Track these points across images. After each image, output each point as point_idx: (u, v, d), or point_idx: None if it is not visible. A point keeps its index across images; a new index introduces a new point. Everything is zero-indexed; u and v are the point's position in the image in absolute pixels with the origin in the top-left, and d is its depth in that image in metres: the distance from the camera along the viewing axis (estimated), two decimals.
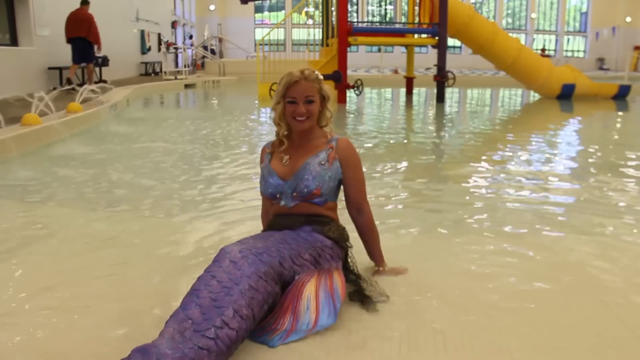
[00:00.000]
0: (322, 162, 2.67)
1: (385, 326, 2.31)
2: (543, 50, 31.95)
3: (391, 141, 7.56)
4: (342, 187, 2.78)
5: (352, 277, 2.62)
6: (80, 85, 11.58)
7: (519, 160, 6.16)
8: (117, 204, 4.33)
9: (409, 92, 14.50)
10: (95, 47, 13.00)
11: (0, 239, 3.43)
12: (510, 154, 6.63)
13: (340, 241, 2.65)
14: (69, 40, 12.67)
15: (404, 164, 5.96)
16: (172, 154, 6.42)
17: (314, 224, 2.64)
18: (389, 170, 5.57)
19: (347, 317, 2.36)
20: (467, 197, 4.54)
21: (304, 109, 2.62)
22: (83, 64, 12.87)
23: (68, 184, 4.94)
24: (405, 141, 7.78)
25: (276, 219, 2.73)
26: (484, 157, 6.36)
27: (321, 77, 2.69)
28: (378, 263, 2.85)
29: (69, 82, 12.18)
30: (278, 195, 2.70)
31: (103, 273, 2.88)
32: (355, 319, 2.36)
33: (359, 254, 2.80)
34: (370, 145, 7.17)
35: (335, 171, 2.69)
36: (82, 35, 12.51)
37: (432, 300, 2.55)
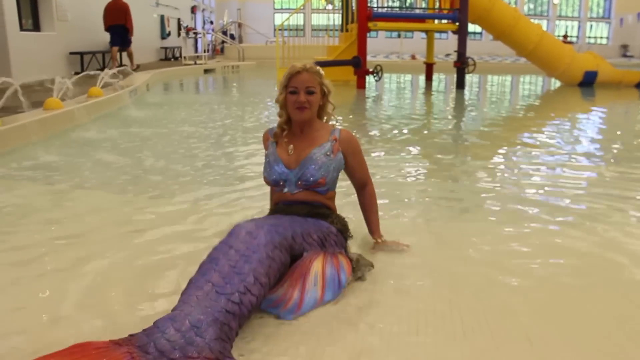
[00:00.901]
0: (328, 153, 2.83)
1: (395, 305, 2.39)
2: (565, 36, 31.50)
3: (410, 127, 7.53)
4: (344, 172, 2.97)
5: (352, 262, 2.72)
6: (102, 69, 11.68)
7: (538, 147, 6.12)
8: (137, 186, 4.40)
9: (429, 79, 14.42)
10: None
11: (27, 221, 3.53)
12: (530, 141, 6.59)
13: (344, 231, 2.83)
14: (108, 28, 14.05)
15: (422, 149, 5.94)
16: (191, 137, 6.47)
17: (316, 216, 2.77)
18: (407, 156, 5.57)
19: (353, 295, 2.46)
20: (485, 183, 4.53)
21: (304, 98, 2.76)
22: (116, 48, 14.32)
23: (90, 167, 5.02)
24: (424, 127, 7.75)
25: (279, 208, 2.84)
26: (503, 145, 6.33)
27: (322, 72, 2.86)
28: (376, 234, 3.03)
29: (115, 64, 13.90)
30: (282, 183, 2.84)
31: (134, 250, 2.95)
32: (360, 297, 2.46)
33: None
34: (388, 130, 7.16)
35: (338, 162, 2.87)
36: (120, 22, 13.93)
37: (441, 281, 2.61)
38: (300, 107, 2.77)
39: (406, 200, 4.06)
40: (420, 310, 2.32)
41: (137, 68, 14.88)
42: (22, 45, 11.50)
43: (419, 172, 4.95)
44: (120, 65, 14.08)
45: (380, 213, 3.10)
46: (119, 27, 13.99)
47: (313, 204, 2.82)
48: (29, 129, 5.93)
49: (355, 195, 3.11)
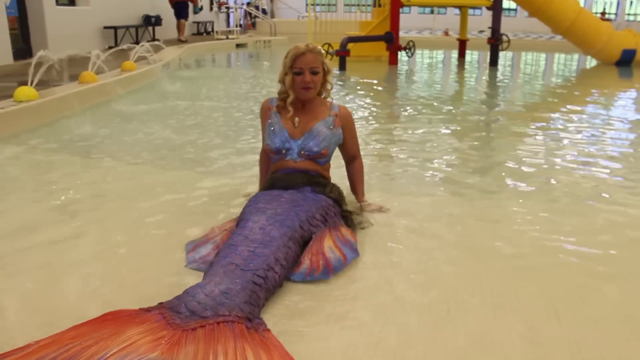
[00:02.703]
0: (330, 127, 3.07)
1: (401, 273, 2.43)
2: (603, 13, 30.69)
3: (441, 104, 7.47)
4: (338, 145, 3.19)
5: (349, 222, 2.97)
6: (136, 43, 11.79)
7: (572, 127, 6.03)
8: (171, 158, 4.48)
9: (462, 55, 14.23)
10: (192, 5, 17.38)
11: (69, 193, 3.63)
12: (564, 120, 6.49)
13: (340, 200, 3.02)
14: (175, 4, 16.38)
15: (453, 126, 5.91)
16: (223, 110, 6.53)
17: (313, 185, 2.95)
18: (438, 132, 5.55)
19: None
20: (515, 162, 4.49)
21: (309, 78, 2.94)
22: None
23: (124, 139, 5.12)
24: (455, 104, 7.68)
25: (278, 176, 3.00)
26: (535, 123, 6.25)
27: (323, 51, 3.04)
28: (360, 199, 3.29)
29: (182, 36, 16.78)
30: (284, 151, 3.03)
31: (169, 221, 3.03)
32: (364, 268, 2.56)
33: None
34: (419, 107, 7.12)
35: (338, 136, 3.12)
36: None
37: (470, 258, 2.62)
38: (306, 87, 2.96)
39: (436, 178, 4.06)
40: (450, 297, 2.33)
41: (186, 41, 16.51)
42: (58, 20, 11.67)
43: (449, 148, 4.93)
44: (153, 39, 14.18)
45: (405, 190, 3.12)
46: (184, 2, 16.43)
47: (311, 174, 3.01)
48: (65, 102, 6.05)
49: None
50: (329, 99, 3.17)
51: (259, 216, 2.59)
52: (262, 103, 3.22)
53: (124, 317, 1.92)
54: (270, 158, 3.17)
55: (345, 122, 3.15)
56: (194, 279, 2.34)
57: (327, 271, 2.42)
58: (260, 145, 3.42)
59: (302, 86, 2.96)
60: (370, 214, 3.16)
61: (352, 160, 3.30)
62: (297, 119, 3.04)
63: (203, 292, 2.01)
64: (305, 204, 2.75)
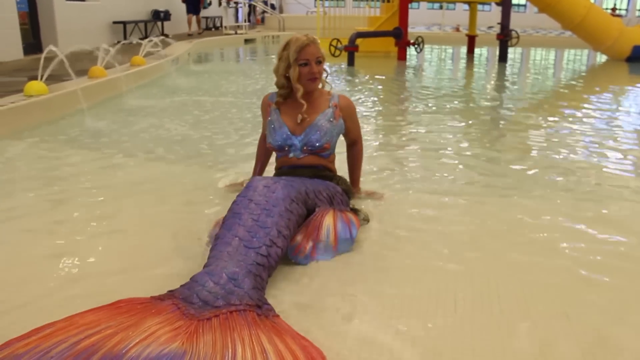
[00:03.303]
0: (331, 119, 3.03)
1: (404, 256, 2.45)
2: (614, 9, 30.50)
3: (450, 99, 7.45)
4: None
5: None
6: (145, 38, 11.81)
7: (580, 123, 6.01)
8: (180, 152, 4.49)
9: (470, 51, 14.17)
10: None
11: (79, 187, 3.66)
12: (573, 117, 6.46)
13: (348, 191, 3.06)
14: None
15: (462, 122, 5.90)
16: (232, 105, 6.54)
17: (320, 177, 2.97)
18: (446, 128, 5.53)
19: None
20: (525, 158, 4.48)
21: (316, 68, 2.92)
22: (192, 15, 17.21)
23: (132, 133, 5.14)
24: (464, 100, 7.66)
25: (283, 171, 3.01)
26: (545, 120, 6.22)
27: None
28: (356, 186, 3.32)
29: (191, 29, 17.30)
30: (287, 148, 3.01)
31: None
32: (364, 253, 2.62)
33: None
34: (428, 103, 7.11)
35: (340, 127, 3.09)
36: None
37: (481, 254, 2.62)
38: (313, 78, 2.93)
39: (445, 174, 4.05)
40: (458, 289, 2.33)
41: (202, 32, 17.68)
42: (67, 15, 11.72)
43: (458, 145, 4.92)
44: (162, 34, 14.20)
45: (417, 186, 3.12)
46: None
47: (317, 167, 3.01)
48: (75, 97, 6.07)
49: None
50: (327, 88, 3.13)
51: (264, 177, 2.64)
52: (262, 99, 3.20)
53: (138, 306, 1.96)
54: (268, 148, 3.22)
55: (347, 113, 3.13)
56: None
57: (308, 257, 2.50)
58: (259, 132, 3.40)
59: (309, 77, 2.92)
60: (376, 208, 3.17)
61: (353, 144, 3.31)
62: (299, 115, 2.99)
63: (212, 280, 2.05)
64: (314, 182, 2.81)
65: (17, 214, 3.12)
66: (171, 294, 2.05)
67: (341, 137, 3.22)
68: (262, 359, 1.74)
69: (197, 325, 1.87)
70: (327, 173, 3.04)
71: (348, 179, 3.28)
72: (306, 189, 2.67)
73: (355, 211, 2.95)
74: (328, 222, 2.63)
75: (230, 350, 1.77)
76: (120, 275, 2.42)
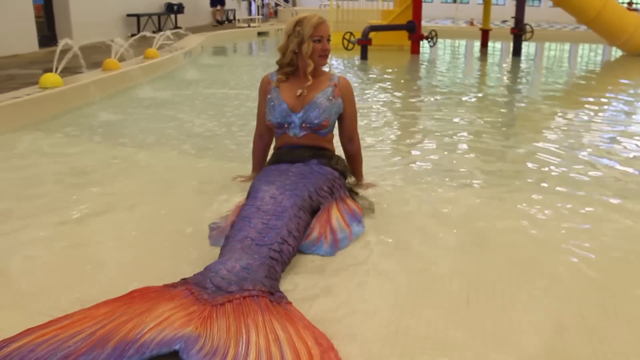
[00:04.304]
0: (330, 98, 3.12)
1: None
2: (630, 3, 30.09)
3: (463, 93, 7.42)
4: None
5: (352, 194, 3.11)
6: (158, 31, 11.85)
7: (595, 118, 5.97)
8: (193, 146, 4.52)
9: (484, 45, 14.09)
10: None
11: (90, 175, 3.69)
12: (587, 112, 6.41)
13: (345, 172, 3.17)
14: None
15: (475, 116, 5.88)
16: (246, 98, 6.55)
17: (319, 157, 3.06)
18: (460, 122, 5.53)
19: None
20: (538, 154, 4.46)
21: (328, 46, 3.07)
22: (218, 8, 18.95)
23: (146, 126, 5.17)
24: (477, 94, 7.63)
25: (284, 152, 3.10)
26: (559, 115, 6.19)
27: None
28: (359, 180, 3.42)
29: (217, 22, 19.06)
30: (286, 125, 3.11)
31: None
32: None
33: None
34: (441, 96, 7.10)
35: (338, 106, 3.17)
36: None
37: (490, 247, 2.62)
38: (325, 55, 3.07)
39: (458, 167, 4.05)
40: (471, 283, 2.34)
41: (224, 23, 19.08)
42: (82, 8, 11.79)
43: (471, 137, 4.92)
44: (175, 27, 14.23)
45: (429, 179, 3.12)
46: None
47: (315, 147, 3.11)
48: (89, 89, 6.12)
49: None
50: (325, 68, 3.23)
51: (269, 186, 2.68)
52: (262, 78, 3.27)
53: (151, 294, 2.00)
54: (266, 143, 3.40)
55: (345, 93, 3.20)
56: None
57: (334, 246, 2.55)
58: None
59: (321, 53, 3.05)
60: (384, 199, 3.22)
61: (349, 141, 3.32)
62: (299, 90, 3.09)
63: (225, 268, 2.08)
64: (313, 176, 2.87)
65: (32, 204, 3.16)
66: (184, 280, 2.09)
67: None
68: (276, 347, 1.75)
69: (211, 310, 1.90)
70: (325, 152, 3.13)
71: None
72: (309, 193, 2.73)
73: (354, 194, 3.09)
74: (335, 214, 2.75)
75: (244, 336, 1.79)
76: (131, 265, 2.45)
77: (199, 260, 2.38)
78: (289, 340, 1.79)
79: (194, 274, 2.11)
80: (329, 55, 3.15)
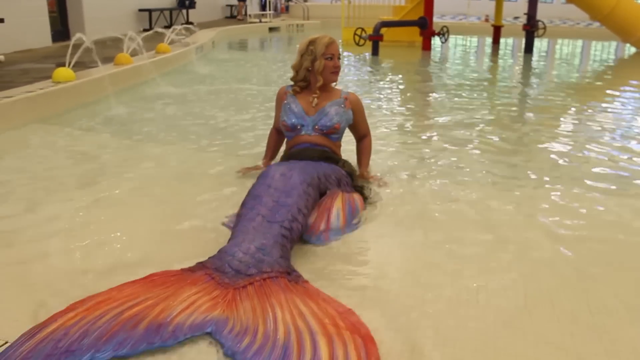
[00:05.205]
0: (342, 106, 3.34)
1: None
2: None
3: (475, 90, 7.40)
4: (349, 128, 3.49)
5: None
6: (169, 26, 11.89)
7: (607, 117, 5.93)
8: (204, 140, 4.54)
9: (496, 42, 14.01)
10: None
11: (102, 169, 3.72)
12: (599, 111, 6.37)
13: (352, 174, 3.26)
14: None
15: (486, 113, 5.86)
16: (256, 94, 6.57)
17: (328, 159, 3.18)
18: (471, 119, 5.50)
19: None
20: (550, 151, 4.45)
21: (339, 63, 3.31)
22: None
23: (157, 120, 5.20)
24: (488, 91, 7.60)
25: (294, 151, 3.23)
26: (570, 111, 6.17)
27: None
28: (364, 169, 3.53)
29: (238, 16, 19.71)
30: (299, 127, 3.27)
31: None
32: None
33: None
34: (452, 93, 7.07)
35: (349, 115, 3.37)
36: None
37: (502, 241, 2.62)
38: (336, 72, 3.30)
39: (469, 164, 4.05)
40: (481, 281, 2.35)
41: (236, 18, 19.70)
42: (94, 3, 11.84)
43: (482, 134, 4.90)
44: (187, 22, 14.26)
45: (439, 174, 3.13)
46: None
47: (325, 149, 3.24)
48: (101, 83, 6.16)
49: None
50: (336, 86, 3.44)
51: (278, 166, 2.81)
52: (278, 90, 3.48)
53: (171, 278, 2.09)
54: (281, 136, 3.54)
55: (356, 107, 3.44)
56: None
57: (322, 238, 2.63)
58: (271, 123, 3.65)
59: (332, 70, 3.28)
60: (392, 194, 3.29)
61: (363, 138, 3.61)
62: (314, 97, 3.31)
63: (240, 250, 2.17)
64: (321, 168, 3.00)
65: (48, 197, 3.20)
66: (201, 265, 2.17)
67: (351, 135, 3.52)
68: (301, 320, 1.87)
69: (234, 293, 2.00)
70: (332, 155, 3.26)
71: (355, 165, 3.51)
72: (317, 173, 2.86)
73: (361, 189, 3.16)
74: (337, 205, 2.82)
75: (270, 314, 1.90)
76: (145, 251, 2.50)
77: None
78: (312, 313, 1.91)
79: (210, 258, 2.19)
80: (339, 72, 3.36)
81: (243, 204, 2.54)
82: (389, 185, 3.41)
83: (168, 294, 1.97)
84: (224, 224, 2.77)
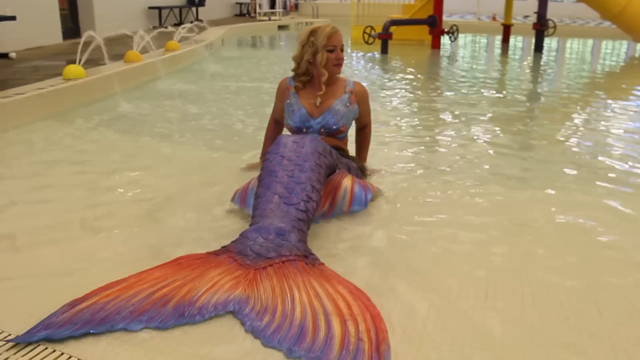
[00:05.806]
0: (347, 104, 3.22)
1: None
2: None
3: (483, 89, 7.38)
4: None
5: None
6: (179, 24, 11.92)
7: (616, 116, 5.90)
8: (212, 137, 4.56)
9: (506, 41, 13.97)
10: None
11: (110, 168, 3.75)
12: (609, 110, 6.33)
13: (362, 169, 3.31)
14: None
15: (495, 112, 5.85)
16: (264, 92, 6.59)
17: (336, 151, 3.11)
18: (480, 118, 5.51)
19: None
20: (557, 151, 4.44)
21: (342, 55, 3.16)
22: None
23: (167, 118, 5.22)
24: (497, 90, 7.59)
25: None
26: (579, 111, 6.14)
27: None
28: (363, 161, 3.53)
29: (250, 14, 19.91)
30: (304, 130, 3.21)
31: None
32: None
33: None
34: (461, 92, 7.06)
35: (354, 111, 3.29)
36: None
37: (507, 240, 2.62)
38: (338, 64, 3.14)
39: (476, 163, 4.05)
40: (489, 279, 2.35)
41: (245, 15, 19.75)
42: (104, 0, 11.88)
43: (490, 133, 4.90)
44: (197, 20, 14.28)
45: (445, 173, 3.13)
46: None
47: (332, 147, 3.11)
48: (111, 81, 6.19)
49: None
50: (341, 75, 3.30)
51: (289, 136, 2.81)
52: (280, 81, 3.40)
53: (197, 261, 2.23)
54: (280, 127, 3.50)
55: (361, 98, 3.32)
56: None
57: (323, 215, 2.77)
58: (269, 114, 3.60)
59: (335, 63, 3.13)
60: (398, 191, 3.31)
61: (363, 127, 3.54)
62: (319, 98, 3.19)
63: (261, 235, 2.29)
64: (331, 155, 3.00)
65: (55, 194, 3.22)
66: (225, 249, 2.30)
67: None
68: (317, 301, 2.00)
69: (255, 274, 2.12)
70: (341, 152, 3.23)
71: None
72: (330, 147, 2.87)
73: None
74: (346, 184, 2.86)
75: (288, 294, 2.03)
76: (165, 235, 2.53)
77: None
78: (327, 295, 2.03)
79: (232, 242, 2.32)
80: (342, 64, 3.23)
81: (260, 181, 2.61)
82: (389, 178, 3.44)
83: (195, 275, 2.12)
84: (232, 200, 2.92)
